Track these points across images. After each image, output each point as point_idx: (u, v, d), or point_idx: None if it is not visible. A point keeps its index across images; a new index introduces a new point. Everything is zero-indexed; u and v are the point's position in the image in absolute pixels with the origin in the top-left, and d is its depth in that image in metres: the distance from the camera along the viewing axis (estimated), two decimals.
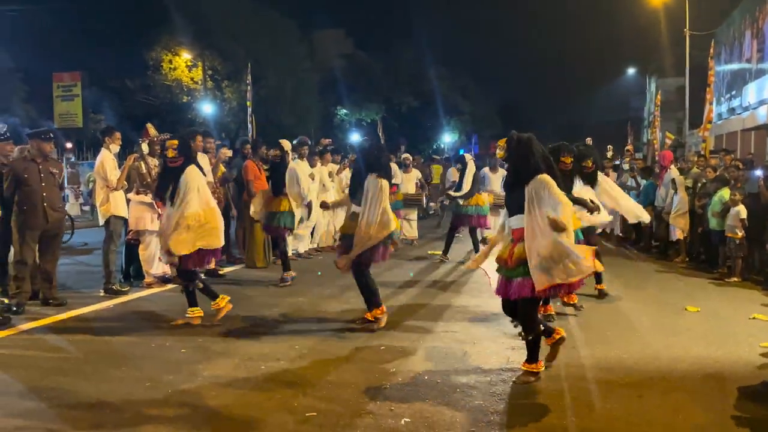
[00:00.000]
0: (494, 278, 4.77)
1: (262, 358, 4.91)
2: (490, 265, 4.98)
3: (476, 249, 9.61)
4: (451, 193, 9.81)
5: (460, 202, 9.68)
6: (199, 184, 5.72)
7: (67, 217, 7.51)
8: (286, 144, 8.11)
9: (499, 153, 4.66)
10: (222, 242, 5.92)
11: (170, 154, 5.70)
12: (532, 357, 4.49)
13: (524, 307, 4.47)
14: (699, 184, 9.57)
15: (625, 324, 6.11)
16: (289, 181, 7.76)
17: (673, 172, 10.08)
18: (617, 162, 13.98)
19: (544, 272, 4.25)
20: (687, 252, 9.81)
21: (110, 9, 26.28)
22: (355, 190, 5.85)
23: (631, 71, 48.17)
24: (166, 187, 5.77)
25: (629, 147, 16.33)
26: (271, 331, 5.71)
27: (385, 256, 5.85)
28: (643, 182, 11.27)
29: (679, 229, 9.62)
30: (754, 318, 6.33)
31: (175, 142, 5.75)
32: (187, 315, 5.88)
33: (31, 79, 23.86)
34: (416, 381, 4.45)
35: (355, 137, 36.38)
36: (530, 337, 4.48)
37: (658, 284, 8.27)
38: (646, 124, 40.73)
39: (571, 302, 6.52)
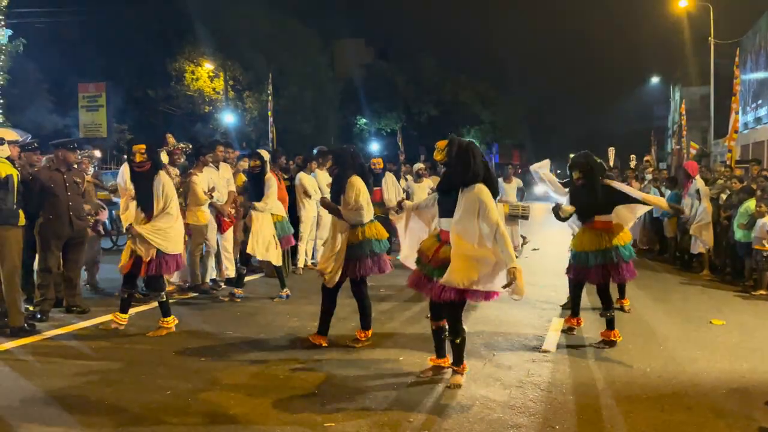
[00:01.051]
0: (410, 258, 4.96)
1: (280, 367, 4.92)
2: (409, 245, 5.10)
3: None
4: None
5: None
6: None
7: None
8: (265, 154, 7.85)
9: (438, 156, 4.61)
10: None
11: (138, 158, 5.66)
12: (460, 358, 4.58)
13: (451, 310, 4.50)
14: (724, 195, 9.42)
15: (649, 337, 6.01)
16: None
17: (699, 182, 9.93)
18: (639, 174, 13.80)
19: (463, 273, 4.28)
20: (711, 264, 9.63)
21: (134, 21, 26.71)
22: (337, 196, 5.56)
23: (655, 80, 47.82)
24: (145, 194, 5.74)
25: (648, 157, 16.16)
26: (290, 341, 5.71)
27: (379, 268, 5.48)
28: (667, 192, 11.12)
29: (701, 242, 9.44)
30: None
31: (143, 146, 5.71)
32: (161, 325, 5.92)
33: (57, 89, 24.34)
34: (435, 392, 4.42)
35: (374, 147, 36.52)
36: (458, 340, 4.54)
37: (682, 296, 8.14)
38: (670, 133, 40.26)
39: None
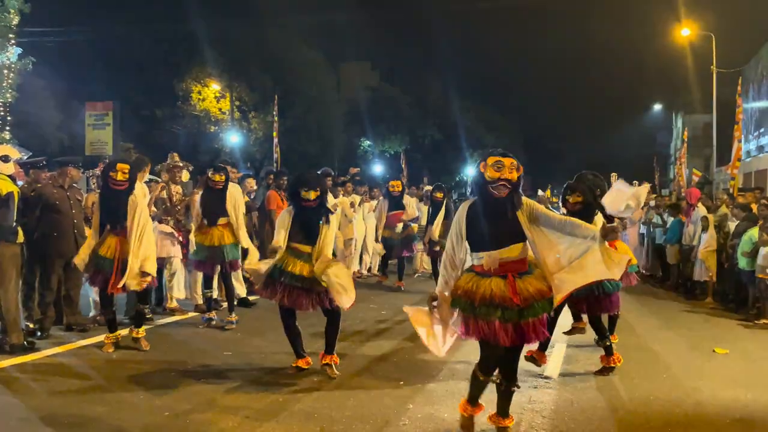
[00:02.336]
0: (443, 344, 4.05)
1: (280, 389, 4.89)
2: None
3: None
4: None
5: None
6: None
7: None
8: (233, 170, 7.74)
9: (512, 173, 3.75)
10: None
11: (120, 177, 5.68)
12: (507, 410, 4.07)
13: (518, 354, 4.00)
14: (731, 224, 9.42)
15: (653, 364, 5.97)
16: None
17: (700, 209, 9.94)
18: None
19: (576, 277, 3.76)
20: (714, 293, 9.58)
21: (143, 41, 27.04)
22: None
23: (657, 107, 48.02)
24: (117, 211, 5.71)
25: (647, 184, 16.19)
26: (290, 363, 5.65)
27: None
28: (669, 220, 11.12)
29: (707, 269, 9.41)
30: None
31: (127, 166, 5.77)
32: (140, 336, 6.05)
33: (64, 107, 24.54)
34: (434, 418, 4.38)
35: (378, 168, 36.69)
36: (519, 386, 4.10)
37: (686, 324, 8.09)
38: (673, 160, 40.40)
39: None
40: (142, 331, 6.06)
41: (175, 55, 27.86)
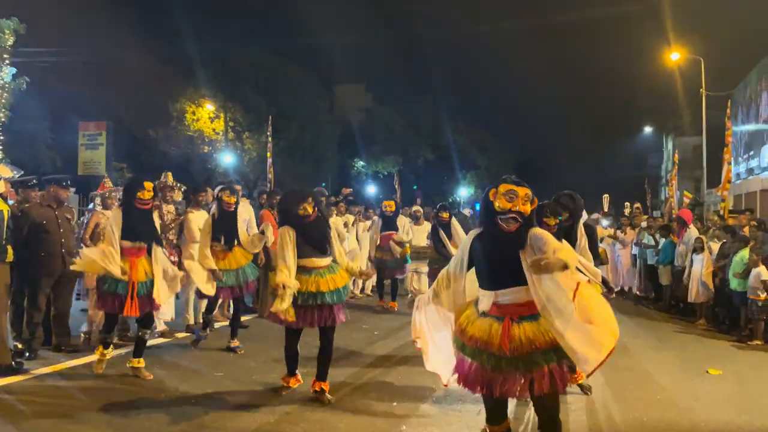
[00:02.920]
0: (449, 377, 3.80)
1: (272, 411, 4.84)
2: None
3: None
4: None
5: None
6: None
7: None
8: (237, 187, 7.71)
9: (525, 206, 3.41)
10: None
11: (147, 196, 5.60)
12: None
13: (554, 401, 3.44)
14: (714, 245, 9.48)
15: (645, 385, 5.94)
16: None
17: (692, 230, 10.00)
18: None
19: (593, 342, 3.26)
20: (706, 314, 9.58)
21: (138, 62, 27.18)
22: None
23: (648, 129, 48.49)
24: (141, 230, 5.63)
25: (638, 205, 16.30)
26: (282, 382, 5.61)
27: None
28: (661, 241, 11.16)
29: (703, 289, 9.39)
30: None
31: (152, 184, 5.71)
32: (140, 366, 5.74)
33: (58, 127, 24.55)
34: None
35: (371, 189, 36.77)
36: None
37: (679, 345, 8.08)
38: (664, 182, 40.69)
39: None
40: (142, 361, 5.73)
41: (169, 75, 28.00)
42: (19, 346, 6.27)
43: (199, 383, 5.57)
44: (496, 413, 3.59)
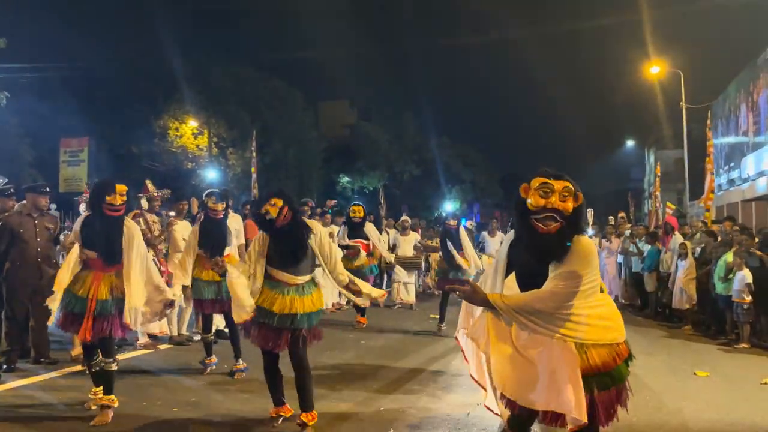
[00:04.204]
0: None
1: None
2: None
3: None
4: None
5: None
6: None
7: None
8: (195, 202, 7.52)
9: (566, 203, 3.02)
10: None
11: (119, 201, 4.67)
12: None
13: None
14: (699, 249, 9.55)
15: (634, 387, 5.83)
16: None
17: (678, 237, 10.07)
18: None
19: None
20: (693, 320, 9.61)
21: (120, 77, 27.09)
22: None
23: (630, 143, 49.07)
24: (108, 240, 4.67)
25: (622, 214, 16.44)
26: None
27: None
28: (646, 248, 11.22)
29: (687, 296, 9.43)
30: (765, 383, 6.12)
31: (125, 187, 4.76)
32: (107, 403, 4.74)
33: (38, 144, 24.30)
34: None
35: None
36: None
37: (666, 349, 8.07)
38: (647, 195, 41.08)
39: None
40: (114, 398, 4.76)
41: (152, 91, 27.90)
42: None
43: (189, 396, 5.43)
44: (521, 423, 3.22)
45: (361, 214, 9.60)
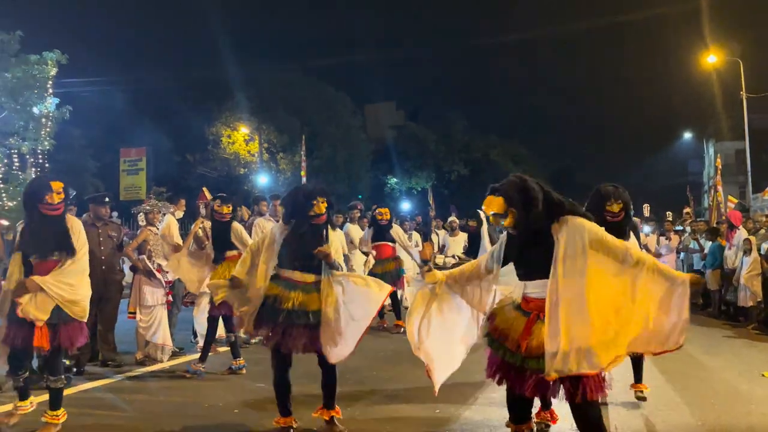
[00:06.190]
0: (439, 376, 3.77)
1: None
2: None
3: None
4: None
5: None
6: None
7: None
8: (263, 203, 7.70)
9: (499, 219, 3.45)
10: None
11: (57, 199, 4.38)
12: None
13: (589, 410, 3.26)
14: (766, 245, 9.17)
15: (698, 390, 5.73)
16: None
17: (742, 232, 9.70)
18: (679, 227, 13.42)
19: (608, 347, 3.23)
20: (758, 318, 9.24)
21: (175, 89, 28.00)
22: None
23: (687, 135, 47.42)
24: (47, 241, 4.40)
25: (687, 209, 15.86)
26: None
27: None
28: (707, 244, 10.84)
29: (751, 293, 9.09)
30: None
31: (61, 184, 4.45)
32: (48, 421, 4.46)
33: (100, 154, 25.32)
34: None
35: (405, 206, 36.75)
36: None
37: (730, 350, 7.79)
38: (706, 188, 39.65)
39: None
40: (62, 414, 4.45)
41: (205, 101, 28.68)
42: (67, 362, 6.40)
43: (242, 392, 5.55)
44: (516, 411, 3.50)
45: (388, 217, 9.25)
